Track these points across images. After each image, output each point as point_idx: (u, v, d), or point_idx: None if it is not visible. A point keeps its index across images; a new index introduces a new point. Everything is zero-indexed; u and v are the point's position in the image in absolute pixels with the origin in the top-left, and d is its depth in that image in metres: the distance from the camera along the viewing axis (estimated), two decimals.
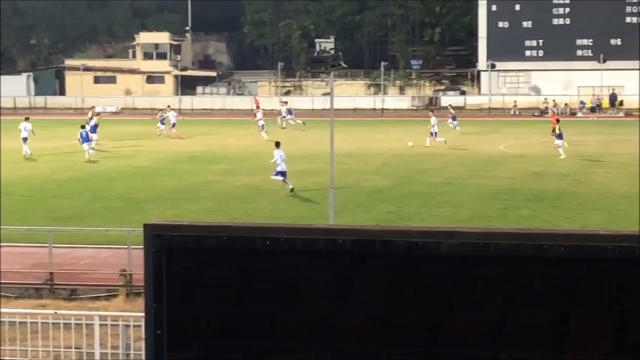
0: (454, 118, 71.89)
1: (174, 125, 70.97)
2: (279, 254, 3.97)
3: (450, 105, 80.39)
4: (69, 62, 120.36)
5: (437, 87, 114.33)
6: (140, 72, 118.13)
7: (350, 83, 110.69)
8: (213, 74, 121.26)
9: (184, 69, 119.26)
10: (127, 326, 18.70)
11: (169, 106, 78.07)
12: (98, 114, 67.40)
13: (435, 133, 61.68)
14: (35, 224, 31.87)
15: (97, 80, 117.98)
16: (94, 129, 60.90)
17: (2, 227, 31.15)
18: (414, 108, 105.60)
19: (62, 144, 64.01)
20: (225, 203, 38.58)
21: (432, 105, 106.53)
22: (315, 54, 30.39)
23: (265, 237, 3.97)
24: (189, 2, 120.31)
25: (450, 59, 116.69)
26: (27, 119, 59.05)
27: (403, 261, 3.83)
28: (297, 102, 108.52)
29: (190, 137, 69.17)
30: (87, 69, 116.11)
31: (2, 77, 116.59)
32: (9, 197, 39.83)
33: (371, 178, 45.48)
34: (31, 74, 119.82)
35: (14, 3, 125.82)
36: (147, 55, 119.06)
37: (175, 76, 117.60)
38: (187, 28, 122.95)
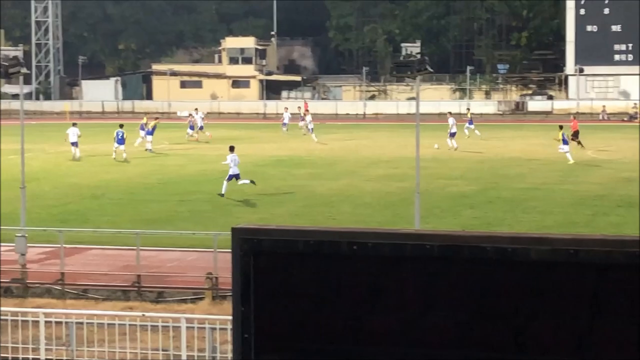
0: (470, 122, 71.87)
1: (201, 128, 71.86)
2: (366, 259, 3.96)
3: (468, 109, 79.34)
4: (156, 67, 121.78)
5: (524, 92, 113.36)
6: (226, 77, 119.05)
7: (435, 87, 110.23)
8: (298, 78, 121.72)
9: (269, 73, 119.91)
10: (214, 329, 18.85)
11: (196, 109, 78.26)
12: (157, 118, 68.51)
13: (454, 134, 62.31)
14: (124, 226, 32.32)
15: (183, 84, 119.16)
16: (151, 131, 62.32)
17: (91, 229, 31.68)
18: (500, 113, 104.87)
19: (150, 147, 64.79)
20: (310, 207, 38.70)
21: (518, 110, 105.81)
22: (401, 58, 30.33)
23: (352, 241, 3.97)
24: (275, 7, 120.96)
25: (538, 63, 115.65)
26: (74, 124, 60.34)
27: (491, 267, 3.80)
28: (381, 106, 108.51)
29: (276, 142, 69.52)
30: (173, 73, 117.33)
31: (91, 81, 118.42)
32: (98, 201, 40.47)
33: (456, 183, 45.25)
34: (119, 78, 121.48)
35: (103, 8, 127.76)
36: (233, 60, 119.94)
37: (261, 81, 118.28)
38: (273, 33, 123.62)
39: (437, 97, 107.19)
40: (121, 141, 57.38)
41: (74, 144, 57.53)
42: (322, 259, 4.01)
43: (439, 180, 45.49)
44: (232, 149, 43.81)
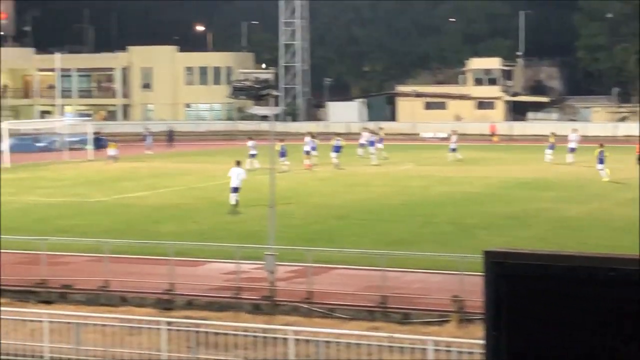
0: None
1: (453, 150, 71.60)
2: (624, 286, 3.83)
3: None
4: (400, 88, 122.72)
5: None
6: (470, 98, 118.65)
7: None
8: (545, 99, 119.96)
9: (515, 94, 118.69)
10: (461, 352, 18.74)
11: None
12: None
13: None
14: (367, 247, 32.60)
15: (427, 106, 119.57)
16: (338, 148, 67.01)
17: (337, 249, 32.12)
18: None
19: (394, 169, 65.36)
20: (557, 231, 37.91)
21: None
22: None
23: (610, 267, 3.85)
24: (521, 28, 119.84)
25: None
26: (250, 139, 67.22)
27: None
28: (634, 128, 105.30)
29: (522, 164, 68.74)
30: (418, 94, 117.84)
31: (336, 103, 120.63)
32: (343, 221, 41.04)
33: None
34: (365, 100, 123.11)
35: (350, 31, 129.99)
36: (478, 81, 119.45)
37: (506, 102, 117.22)
38: (519, 53, 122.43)
39: None
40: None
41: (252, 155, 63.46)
42: (577, 284, 3.90)
43: None
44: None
